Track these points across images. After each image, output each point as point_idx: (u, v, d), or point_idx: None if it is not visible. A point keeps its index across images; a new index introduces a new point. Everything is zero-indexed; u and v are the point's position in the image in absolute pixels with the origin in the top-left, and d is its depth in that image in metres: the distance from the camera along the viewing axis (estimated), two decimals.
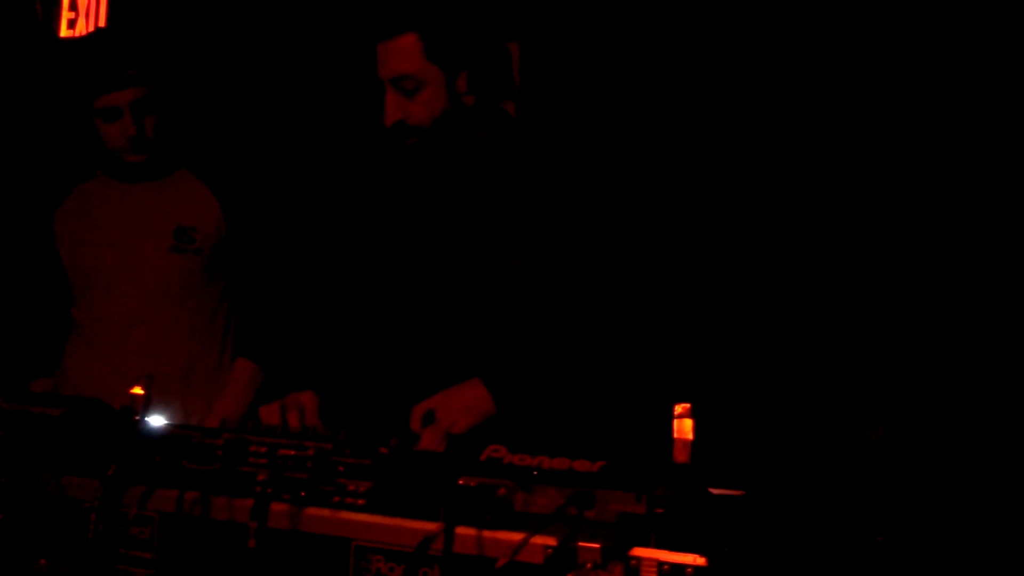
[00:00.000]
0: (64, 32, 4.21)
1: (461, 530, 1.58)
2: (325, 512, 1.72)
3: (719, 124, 3.25)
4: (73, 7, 4.18)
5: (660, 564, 1.49)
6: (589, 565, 1.51)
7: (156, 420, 1.90)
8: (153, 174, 3.14)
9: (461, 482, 1.62)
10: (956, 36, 2.99)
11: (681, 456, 1.55)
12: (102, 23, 4.12)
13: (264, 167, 3.59)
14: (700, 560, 1.47)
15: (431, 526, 1.60)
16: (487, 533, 1.60)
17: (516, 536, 1.55)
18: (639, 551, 1.50)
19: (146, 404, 1.89)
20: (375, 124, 2.49)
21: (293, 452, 1.76)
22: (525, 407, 2.32)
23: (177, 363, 3.07)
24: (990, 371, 2.91)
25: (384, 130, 2.46)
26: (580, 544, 1.52)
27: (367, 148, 3.16)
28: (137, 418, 1.89)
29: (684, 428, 1.56)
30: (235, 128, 3.83)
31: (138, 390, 1.89)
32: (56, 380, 3.18)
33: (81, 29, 4.17)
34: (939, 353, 2.98)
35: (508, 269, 2.42)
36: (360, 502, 1.71)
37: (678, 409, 1.56)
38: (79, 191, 3.25)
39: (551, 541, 1.54)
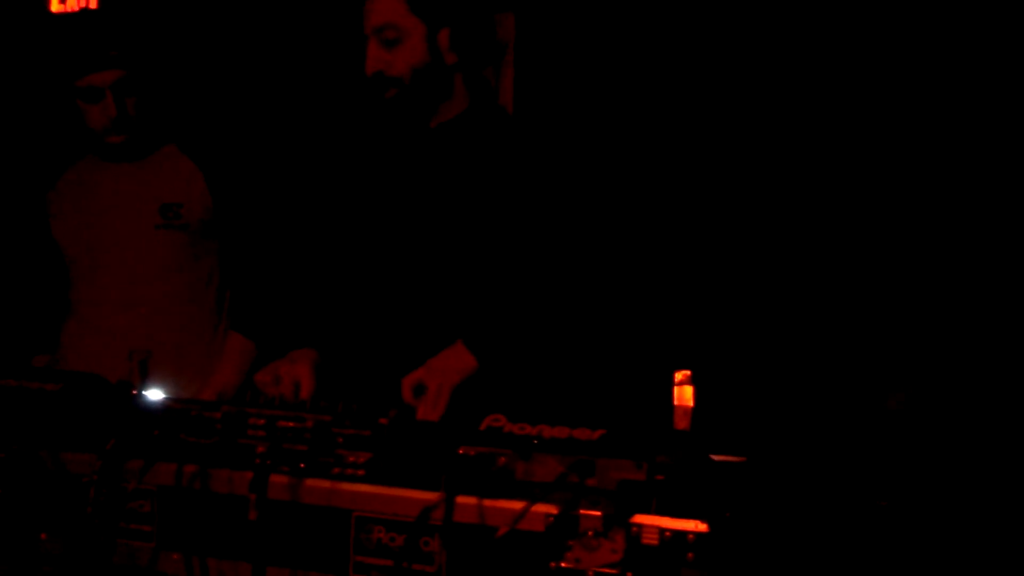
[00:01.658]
0: (56, 7, 4.17)
1: (461, 499, 1.58)
2: (325, 483, 1.72)
3: (709, 96, 3.24)
4: None
5: (661, 531, 1.49)
6: (591, 533, 1.51)
7: (154, 394, 1.90)
8: (136, 154, 3.12)
9: (461, 452, 1.61)
10: (956, 36, 2.98)
11: (682, 423, 1.55)
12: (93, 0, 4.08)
13: (249, 139, 3.57)
14: (702, 526, 1.47)
15: (431, 496, 1.60)
16: (488, 502, 1.59)
17: (517, 505, 1.56)
18: (640, 518, 1.51)
19: (144, 378, 1.88)
20: (357, 89, 2.50)
21: (292, 424, 1.76)
22: (507, 360, 2.34)
23: (170, 339, 3.06)
24: (997, 339, 2.91)
25: (365, 81, 2.49)
26: (581, 512, 1.52)
27: (350, 115, 3.15)
28: (135, 392, 1.89)
29: (685, 395, 1.55)
30: (219, 102, 3.81)
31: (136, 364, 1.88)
32: (55, 358, 3.17)
33: (72, 5, 4.13)
34: (944, 318, 2.97)
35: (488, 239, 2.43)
36: (360, 473, 1.71)
37: (678, 376, 1.56)
38: (70, 172, 3.24)
39: (552, 509, 1.54)
